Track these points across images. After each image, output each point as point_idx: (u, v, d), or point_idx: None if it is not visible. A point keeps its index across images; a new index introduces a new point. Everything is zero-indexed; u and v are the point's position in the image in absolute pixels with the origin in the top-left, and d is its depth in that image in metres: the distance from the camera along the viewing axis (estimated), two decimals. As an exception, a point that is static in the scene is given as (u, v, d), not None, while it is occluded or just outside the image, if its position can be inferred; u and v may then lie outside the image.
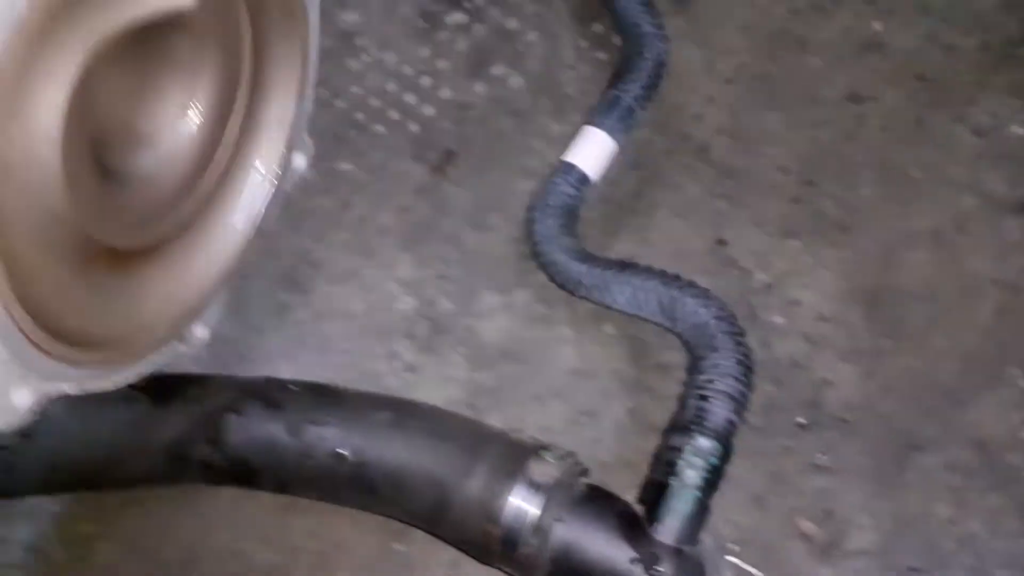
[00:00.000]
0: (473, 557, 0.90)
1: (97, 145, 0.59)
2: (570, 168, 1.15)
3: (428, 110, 1.25)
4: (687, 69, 1.26)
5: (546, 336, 1.10)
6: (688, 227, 1.15)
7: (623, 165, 1.20)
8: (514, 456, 0.87)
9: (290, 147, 0.69)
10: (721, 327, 0.96)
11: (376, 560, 0.99)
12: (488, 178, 1.20)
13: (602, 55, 1.28)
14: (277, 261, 1.14)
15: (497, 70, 1.27)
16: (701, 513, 0.87)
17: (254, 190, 0.71)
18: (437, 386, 1.07)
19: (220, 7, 0.60)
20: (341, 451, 0.88)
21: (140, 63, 0.60)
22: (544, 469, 0.85)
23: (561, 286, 1.08)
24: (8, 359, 0.51)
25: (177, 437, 0.91)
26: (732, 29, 1.29)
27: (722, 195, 1.17)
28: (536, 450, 0.87)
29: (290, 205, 1.14)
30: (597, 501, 0.88)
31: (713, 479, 0.89)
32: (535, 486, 0.85)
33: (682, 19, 1.29)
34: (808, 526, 1.00)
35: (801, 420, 1.05)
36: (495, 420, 1.04)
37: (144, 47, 0.58)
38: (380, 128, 1.23)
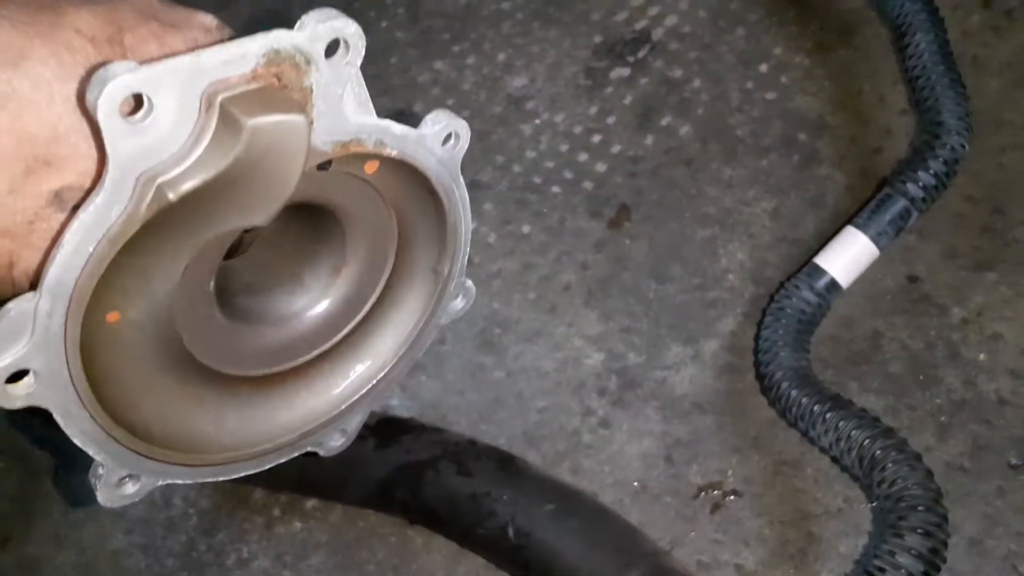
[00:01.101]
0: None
1: (246, 291, 0.66)
2: (820, 273, 1.07)
3: (600, 166, 1.28)
4: (860, 101, 1.25)
5: (738, 386, 1.11)
6: (878, 264, 1.13)
7: (803, 204, 1.20)
8: None
9: (443, 296, 0.75)
10: (914, 510, 0.89)
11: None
12: (665, 228, 1.23)
13: (771, 95, 1.28)
14: (471, 325, 1.19)
15: (665, 120, 1.30)
16: None
17: (400, 331, 0.75)
18: (632, 440, 1.10)
19: (359, 195, 0.66)
20: (507, 529, 0.96)
21: (296, 236, 0.68)
22: None
23: (771, 403, 1.04)
24: (118, 465, 0.59)
25: (387, 478, 1.05)
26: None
27: (910, 230, 1.15)
28: None
29: (478, 269, 1.20)
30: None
31: None
32: None
33: (850, 49, 1.28)
34: (1029, 569, 0.97)
35: (1014, 460, 1.02)
36: (693, 474, 1.06)
37: (301, 220, 0.65)
38: (556, 188, 1.28)
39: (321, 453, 0.73)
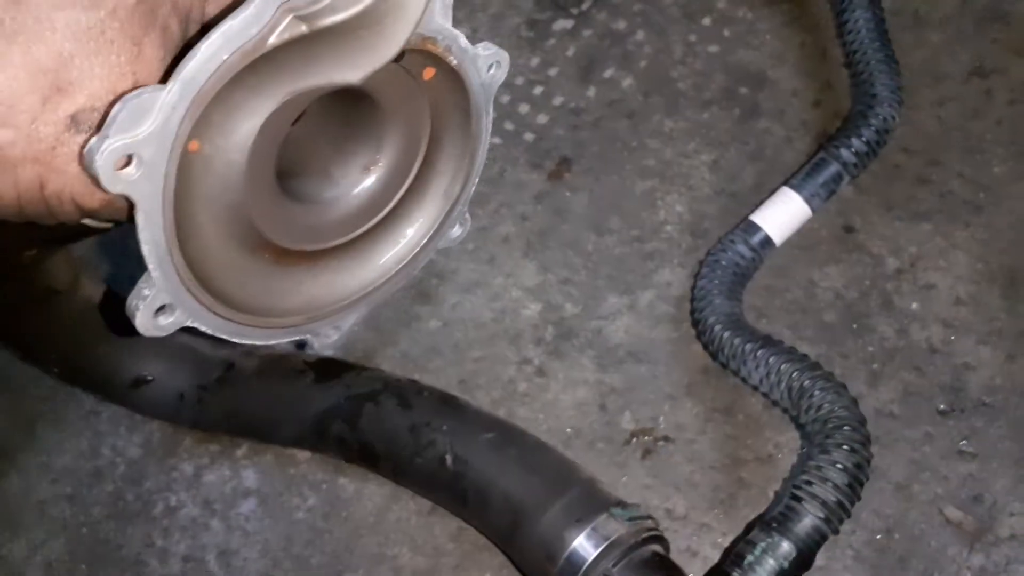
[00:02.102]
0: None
1: (285, 169, 0.70)
2: (755, 229, 1.11)
3: (542, 118, 1.27)
4: (801, 55, 1.25)
5: (673, 336, 1.10)
6: (814, 215, 1.14)
7: (742, 157, 1.19)
8: (590, 504, 0.89)
9: (448, 219, 0.81)
10: (840, 430, 0.92)
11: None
12: (605, 181, 1.22)
13: (713, 48, 1.28)
14: (406, 275, 1.18)
15: (608, 72, 1.29)
16: None
17: (409, 243, 0.81)
18: (566, 388, 1.09)
19: (406, 98, 0.72)
20: (445, 457, 0.95)
21: (339, 122, 0.73)
22: (612, 525, 0.87)
23: (704, 346, 1.07)
24: (164, 289, 0.63)
25: (324, 411, 1.03)
26: (845, 12, 1.27)
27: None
28: (614, 504, 0.89)
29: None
30: (656, 570, 0.87)
31: None
32: (599, 538, 0.86)
33: (792, 4, 1.28)
34: (955, 513, 0.98)
35: (942, 406, 1.03)
36: (626, 421, 1.05)
37: (344, 112, 0.70)
38: (497, 140, 1.26)
39: (315, 346, 0.80)
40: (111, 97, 0.56)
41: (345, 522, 1.04)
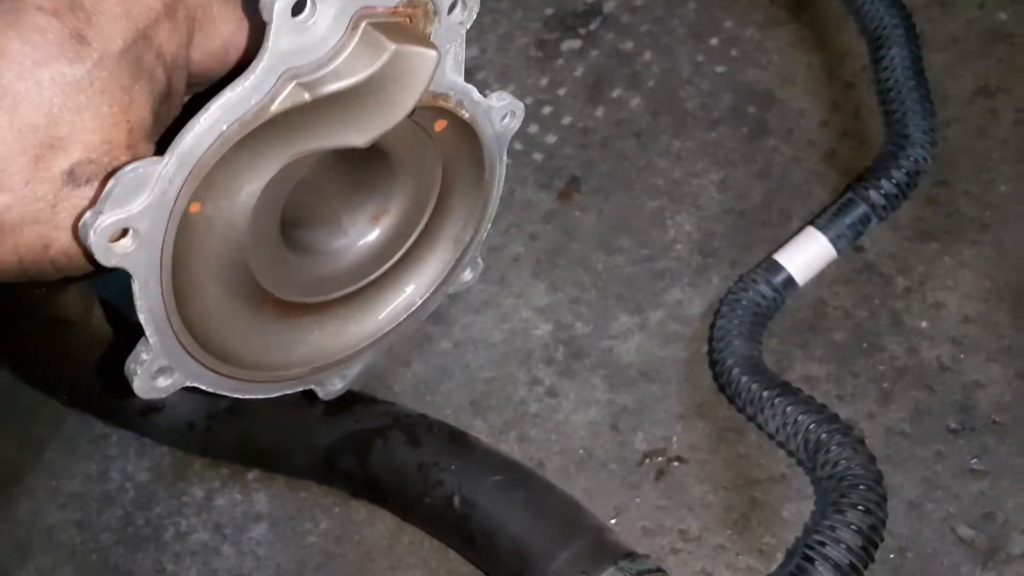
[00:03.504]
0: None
1: (291, 223, 0.69)
2: (778, 269, 1.09)
3: (551, 138, 1.28)
4: (808, 74, 1.26)
5: (684, 355, 1.11)
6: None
7: (750, 175, 1.20)
8: (597, 556, 0.88)
9: (459, 264, 0.80)
10: (855, 489, 0.91)
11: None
12: (614, 200, 1.22)
13: (721, 68, 1.28)
14: (417, 295, 1.18)
15: (615, 92, 1.29)
16: None
17: (418, 290, 0.80)
18: (578, 409, 1.09)
19: (417, 149, 0.71)
20: (453, 498, 0.95)
21: (348, 172, 0.72)
22: None
23: (721, 389, 1.05)
24: (162, 353, 0.62)
25: (333, 445, 1.03)
26: (850, 32, 1.28)
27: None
28: (622, 556, 0.88)
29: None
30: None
31: None
32: None
33: (799, 23, 1.28)
34: (968, 532, 0.98)
35: (953, 424, 1.03)
36: (639, 441, 1.05)
37: (353, 162, 0.69)
38: (506, 160, 1.26)
39: (320, 395, 0.77)
40: (107, 147, 0.55)
41: (357, 546, 1.04)
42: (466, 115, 0.68)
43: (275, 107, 0.57)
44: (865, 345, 1.08)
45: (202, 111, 0.55)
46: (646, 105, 1.28)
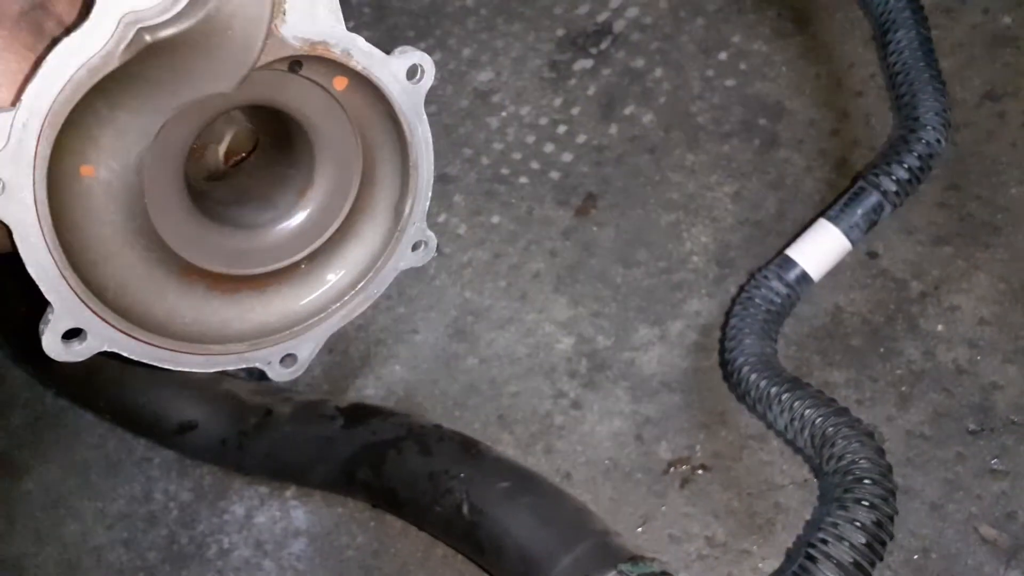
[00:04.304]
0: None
1: (225, 199, 0.72)
2: (790, 264, 1.07)
3: (567, 156, 1.31)
4: (817, 85, 1.28)
5: (704, 364, 1.13)
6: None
7: (764, 186, 1.22)
8: (599, 560, 0.89)
9: (403, 237, 0.78)
10: (860, 483, 0.88)
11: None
12: (630, 215, 1.25)
13: (730, 82, 1.31)
14: (444, 314, 1.22)
15: (628, 109, 1.32)
16: None
17: (362, 264, 0.79)
18: (603, 420, 1.12)
19: (327, 114, 0.71)
20: (462, 506, 0.96)
21: (274, 149, 0.74)
22: None
23: (732, 387, 1.06)
24: (66, 313, 0.63)
25: (351, 457, 1.06)
26: (857, 42, 1.30)
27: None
28: (625, 559, 0.88)
29: (449, 259, 1.23)
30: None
31: None
32: None
33: (806, 35, 1.31)
34: (990, 531, 1.00)
35: (972, 426, 1.05)
36: (663, 450, 1.08)
37: (277, 138, 0.71)
38: (524, 179, 1.30)
39: (270, 376, 0.76)
40: None
41: (394, 559, 1.07)
42: (359, 66, 0.68)
43: (121, 52, 0.58)
44: (882, 350, 1.10)
45: (43, 59, 0.57)
46: (659, 121, 1.31)
